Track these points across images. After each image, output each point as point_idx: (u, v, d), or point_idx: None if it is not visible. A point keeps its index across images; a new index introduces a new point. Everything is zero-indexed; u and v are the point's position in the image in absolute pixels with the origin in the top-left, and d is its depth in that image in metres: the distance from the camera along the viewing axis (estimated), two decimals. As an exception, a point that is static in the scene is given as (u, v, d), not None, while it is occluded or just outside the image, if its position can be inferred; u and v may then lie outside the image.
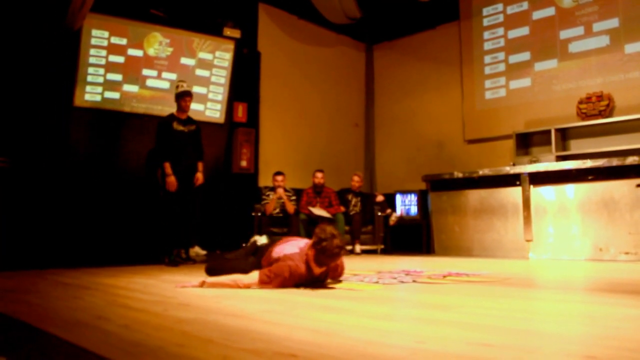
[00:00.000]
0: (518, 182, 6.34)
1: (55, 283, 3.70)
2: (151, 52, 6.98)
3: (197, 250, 6.09)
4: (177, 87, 6.05)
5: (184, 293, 3.10)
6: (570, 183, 5.99)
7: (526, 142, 7.84)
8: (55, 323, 2.16)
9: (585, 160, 5.93)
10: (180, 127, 5.91)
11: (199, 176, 5.94)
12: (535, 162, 6.85)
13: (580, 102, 7.37)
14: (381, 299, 2.84)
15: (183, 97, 5.93)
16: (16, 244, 5.58)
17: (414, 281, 3.60)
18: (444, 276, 3.90)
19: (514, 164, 6.97)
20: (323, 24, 9.16)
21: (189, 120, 6.03)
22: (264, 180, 7.96)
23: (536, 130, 7.65)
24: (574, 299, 2.82)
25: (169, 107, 6.65)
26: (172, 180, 5.68)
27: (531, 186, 6.24)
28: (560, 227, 6.02)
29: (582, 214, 5.88)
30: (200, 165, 6.00)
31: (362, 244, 7.58)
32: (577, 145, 7.42)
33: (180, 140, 5.87)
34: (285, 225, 7.19)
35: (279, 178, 7.32)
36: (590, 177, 5.84)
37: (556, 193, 6.08)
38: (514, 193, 6.38)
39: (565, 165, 6.07)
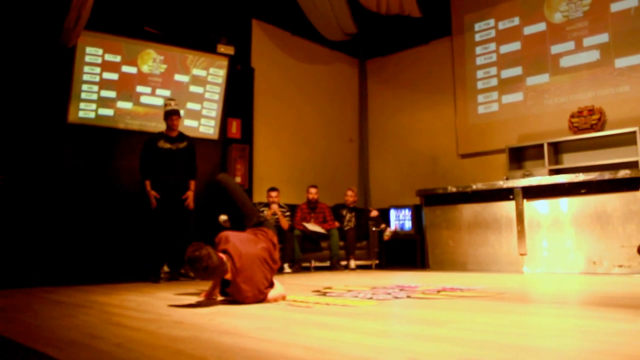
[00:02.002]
0: (511, 196, 6.35)
1: (48, 301, 3.68)
2: (145, 69, 7.00)
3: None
4: (165, 105, 6.07)
5: (178, 310, 3.09)
6: (563, 197, 6.02)
7: (519, 156, 7.88)
8: (49, 342, 2.15)
9: (577, 174, 5.96)
10: (167, 145, 5.90)
11: (190, 194, 5.95)
12: (528, 176, 6.88)
13: (572, 116, 7.43)
14: (375, 315, 2.84)
15: (170, 116, 5.95)
16: (9, 262, 5.55)
17: (408, 297, 3.60)
18: (438, 291, 3.89)
19: (507, 178, 6.99)
20: (317, 40, 9.22)
21: (180, 138, 6.02)
22: (258, 196, 7.96)
23: (529, 145, 7.70)
24: (569, 313, 2.83)
25: (163, 124, 6.67)
26: (151, 195, 5.72)
27: (524, 200, 6.26)
28: (554, 240, 6.03)
29: (575, 227, 5.90)
30: (192, 184, 6.01)
31: (356, 259, 7.57)
32: (569, 159, 7.46)
33: (166, 158, 5.86)
34: (279, 241, 7.13)
35: (273, 194, 7.32)
36: (583, 191, 5.87)
37: (549, 207, 6.10)
38: (507, 207, 6.40)
39: (558, 179, 6.09)
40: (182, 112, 6.69)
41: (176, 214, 5.86)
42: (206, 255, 3.14)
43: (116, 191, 6.71)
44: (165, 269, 6.04)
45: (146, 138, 6.05)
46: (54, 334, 2.36)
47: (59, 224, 6.18)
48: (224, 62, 7.63)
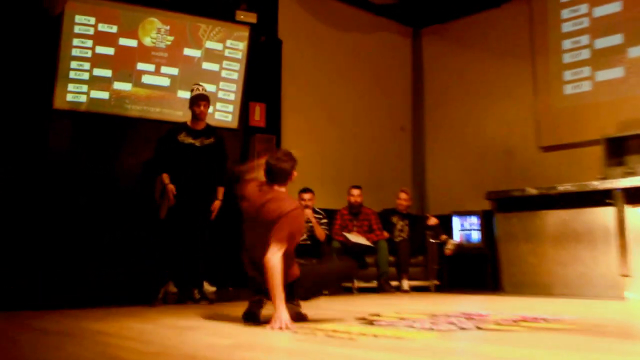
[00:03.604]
0: (610, 201, 6.24)
1: (31, 329, 3.75)
2: (147, 41, 7.08)
3: (206, 287, 6.13)
4: (192, 90, 6.19)
5: (190, 342, 3.11)
6: (678, 201, 5.88)
7: (619, 149, 7.71)
8: (32, 381, 2.18)
9: (696, 172, 5.82)
10: (189, 140, 5.97)
11: (216, 205, 6.01)
12: (631, 174, 6.73)
13: (689, 98, 7.25)
14: (437, 351, 2.81)
15: (196, 102, 6.03)
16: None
17: (477, 328, 3.56)
18: (516, 321, 3.85)
19: (603, 178, 6.85)
20: (359, 4, 9.20)
21: (206, 132, 6.10)
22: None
23: (632, 134, 7.53)
24: (688, 352, 2.75)
25: (169, 109, 6.75)
26: (171, 188, 5.77)
27: (627, 206, 6.14)
28: (665, 258, 5.90)
29: (694, 241, 5.76)
30: (220, 192, 6.08)
31: (410, 279, 7.53)
32: (686, 153, 7.30)
33: (187, 155, 5.93)
34: (315, 254, 7.18)
35: (307, 196, 7.33)
36: None
37: (660, 214, 5.97)
38: (604, 215, 6.28)
39: (671, 179, 5.96)
40: (189, 95, 6.76)
41: (192, 225, 5.90)
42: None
43: (113, 192, 6.79)
44: (172, 288, 6.09)
45: (169, 127, 6.12)
46: (38, 370, 2.39)
47: (44, 233, 6.28)
48: (245, 33, 7.65)
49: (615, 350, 2.83)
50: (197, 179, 5.97)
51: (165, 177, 5.89)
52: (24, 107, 6.36)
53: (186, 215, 5.89)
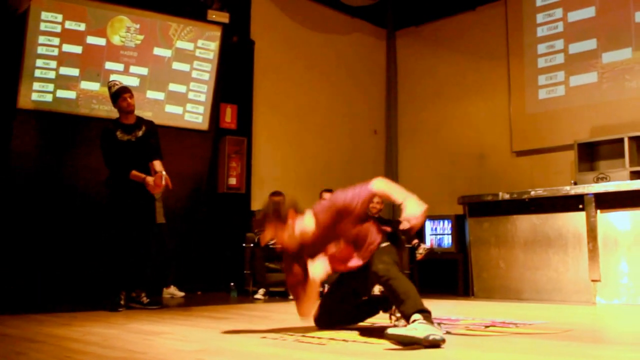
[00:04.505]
0: (581, 206, 6.30)
1: (-9, 334, 3.70)
2: (116, 40, 7.04)
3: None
4: (110, 87, 5.87)
5: (157, 348, 3.09)
6: (648, 207, 5.96)
7: (591, 155, 7.81)
8: (-9, 387, 2.16)
9: (667, 178, 5.90)
10: (126, 137, 5.74)
11: (162, 174, 5.64)
12: (603, 179, 6.82)
13: (661, 104, 7.36)
14: (406, 356, 2.82)
15: (121, 95, 5.72)
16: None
17: (447, 332, 3.57)
18: (486, 326, 3.88)
19: (575, 183, 6.93)
20: (333, 5, 9.23)
21: (136, 125, 5.84)
22: (258, 203, 7.97)
23: (604, 139, 7.62)
24: (655, 357, 2.80)
25: (138, 110, 6.65)
26: (150, 180, 5.61)
27: (598, 211, 6.20)
28: (637, 264, 5.97)
29: (664, 246, 5.84)
30: (158, 164, 5.77)
31: (382, 283, 7.54)
32: (657, 158, 7.39)
33: (127, 152, 5.68)
34: (279, 260, 7.15)
35: (277, 199, 7.32)
36: (674, 200, 5.81)
37: (631, 220, 6.04)
38: (576, 219, 6.34)
39: (641, 184, 6.04)
40: (162, 95, 6.71)
41: (138, 223, 5.75)
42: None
43: (76, 193, 6.74)
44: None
45: (102, 128, 5.84)
46: (-3, 376, 2.37)
47: (3, 236, 6.22)
48: (216, 33, 7.64)
49: (584, 355, 2.86)
50: (140, 170, 5.70)
51: (136, 174, 5.58)
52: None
53: (132, 213, 5.72)
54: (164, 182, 5.60)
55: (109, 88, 5.89)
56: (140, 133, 5.79)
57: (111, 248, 5.72)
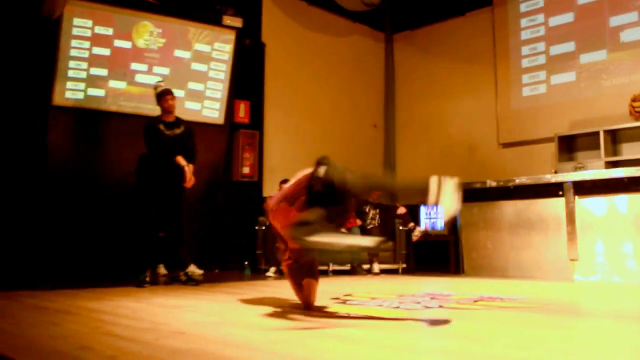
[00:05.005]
0: (561, 193, 6.29)
1: (30, 307, 3.73)
2: (141, 43, 7.04)
3: (193, 269, 6.11)
4: (155, 87, 5.98)
5: (179, 319, 3.12)
6: (622, 193, 5.94)
7: (570, 146, 7.80)
8: (31, 354, 2.18)
9: (639, 167, 5.88)
10: (167, 132, 5.85)
11: (187, 172, 5.78)
12: (580, 169, 6.81)
13: (634, 100, 7.32)
14: (403, 328, 2.84)
15: (163, 96, 5.86)
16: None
17: (440, 306, 3.59)
18: (475, 301, 3.89)
19: (556, 172, 6.92)
20: (336, 10, 9.20)
21: (176, 123, 5.95)
22: (269, 189, 7.99)
23: (582, 132, 7.61)
24: (627, 329, 2.80)
25: (161, 106, 6.70)
26: (190, 169, 5.73)
27: (576, 197, 6.20)
28: (610, 244, 5.97)
29: (636, 229, 5.82)
30: (186, 166, 5.85)
31: (381, 262, 7.56)
32: (629, 150, 7.37)
33: (166, 144, 5.81)
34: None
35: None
36: (644, 187, 5.80)
37: (606, 205, 6.03)
38: (556, 205, 6.34)
39: (615, 173, 6.02)
40: (182, 93, 6.72)
41: (170, 208, 5.82)
42: None
43: (108, 182, 6.77)
44: (162, 270, 6.07)
45: (145, 122, 5.97)
46: (37, 344, 2.39)
47: (43, 220, 6.25)
48: (231, 36, 7.64)
49: (562, 326, 2.87)
50: (173, 165, 5.84)
51: (181, 159, 5.73)
52: (25, 103, 6.31)
53: (166, 198, 5.79)
54: (193, 181, 5.80)
55: (155, 88, 6.02)
56: (178, 131, 5.93)
57: (143, 228, 5.78)
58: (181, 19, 7.29)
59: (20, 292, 4.74)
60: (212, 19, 7.54)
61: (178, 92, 6.43)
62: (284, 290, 4.10)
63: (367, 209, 7.89)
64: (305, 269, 3.46)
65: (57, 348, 2.29)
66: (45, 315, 3.35)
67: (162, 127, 5.86)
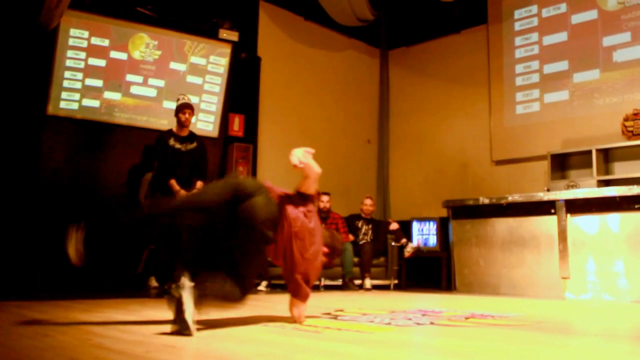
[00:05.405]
0: (553, 210, 6.32)
1: (20, 317, 3.71)
2: (137, 55, 7.05)
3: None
4: (178, 99, 6.17)
5: (169, 332, 3.10)
6: (613, 212, 5.97)
7: (563, 164, 7.84)
8: (21, 365, 2.17)
9: (631, 187, 5.91)
10: (178, 145, 5.98)
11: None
12: (573, 187, 6.84)
13: (626, 119, 7.38)
14: (394, 344, 2.83)
15: (182, 110, 6.02)
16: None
17: (431, 323, 3.59)
18: (467, 318, 3.89)
19: (548, 190, 6.96)
20: (332, 26, 9.24)
21: (190, 137, 6.10)
22: (262, 203, 7.97)
23: (575, 151, 7.65)
24: (619, 349, 2.81)
25: (155, 118, 6.73)
26: (183, 193, 5.77)
27: (568, 215, 6.23)
28: (602, 263, 5.99)
29: (628, 248, 5.85)
30: (198, 184, 6.01)
31: (372, 278, 7.56)
32: (622, 169, 7.41)
33: (175, 158, 5.92)
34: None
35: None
36: (637, 206, 5.83)
37: (598, 224, 6.06)
38: (548, 223, 6.37)
39: (608, 192, 6.05)
40: (174, 105, 6.74)
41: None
42: None
43: (101, 193, 6.75)
44: (153, 283, 6.05)
45: (158, 134, 6.13)
46: (26, 356, 2.37)
47: (35, 229, 6.22)
48: (227, 50, 7.66)
49: (553, 344, 2.87)
50: (183, 180, 5.93)
51: (174, 184, 5.85)
52: (20, 112, 6.30)
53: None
54: None
55: (177, 100, 6.19)
56: (190, 146, 6.11)
57: (141, 240, 5.85)
58: (177, 31, 7.32)
59: (11, 303, 4.71)
60: (209, 32, 7.57)
61: (173, 105, 6.46)
62: (275, 304, 4.09)
63: (359, 224, 7.90)
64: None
65: (46, 360, 2.28)
66: (36, 326, 3.33)
67: (172, 140, 5.95)
